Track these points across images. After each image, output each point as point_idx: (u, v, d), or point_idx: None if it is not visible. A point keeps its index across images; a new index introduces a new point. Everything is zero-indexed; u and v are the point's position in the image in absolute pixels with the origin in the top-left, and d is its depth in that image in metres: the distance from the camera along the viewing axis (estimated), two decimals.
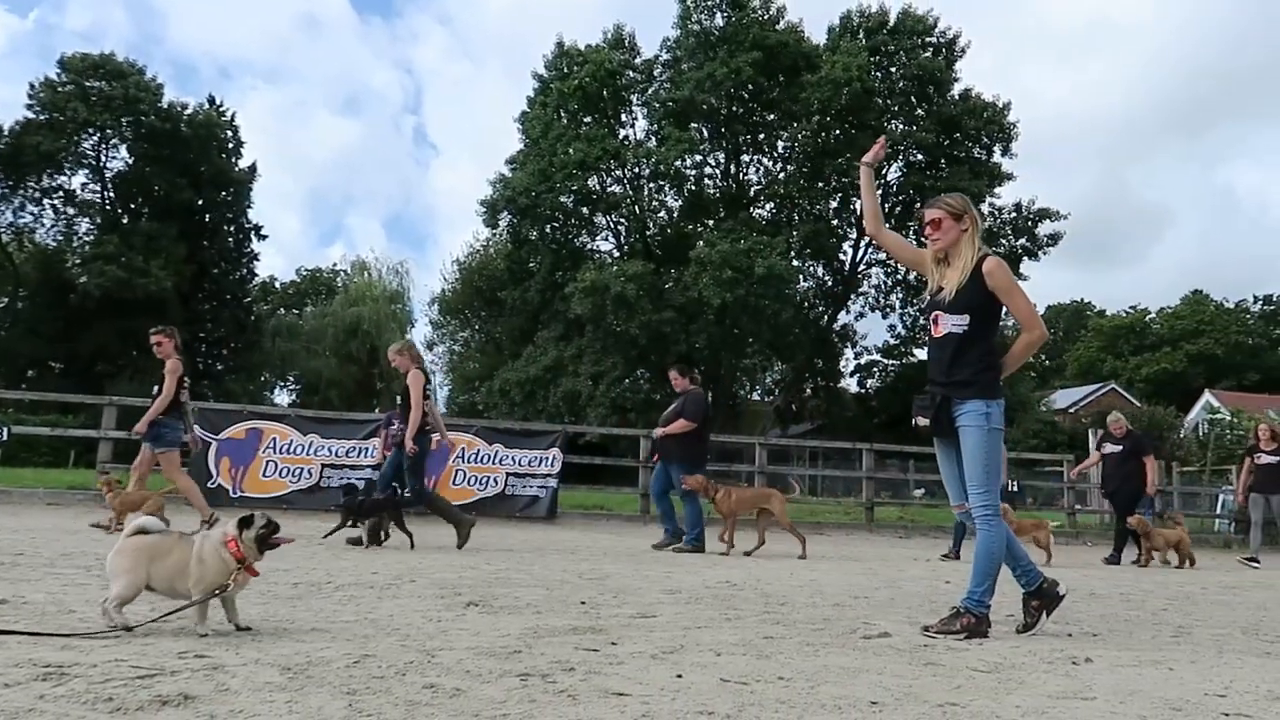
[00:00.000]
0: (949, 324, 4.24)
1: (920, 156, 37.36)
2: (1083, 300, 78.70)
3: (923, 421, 4.40)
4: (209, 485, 12.27)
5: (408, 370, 8.37)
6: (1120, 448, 11.24)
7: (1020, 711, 2.61)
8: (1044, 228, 37.80)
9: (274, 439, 12.83)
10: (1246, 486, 12.12)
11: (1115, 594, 6.66)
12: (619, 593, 5.19)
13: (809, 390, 42.13)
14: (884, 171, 38.51)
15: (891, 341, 41.02)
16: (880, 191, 39.06)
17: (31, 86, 38.45)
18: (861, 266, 40.70)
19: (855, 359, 41.95)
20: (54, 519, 9.36)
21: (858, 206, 38.81)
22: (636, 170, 37.46)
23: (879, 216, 4.77)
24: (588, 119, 37.23)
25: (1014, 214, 37.70)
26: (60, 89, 38.46)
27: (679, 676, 2.89)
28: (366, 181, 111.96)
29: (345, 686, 2.54)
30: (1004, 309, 4.27)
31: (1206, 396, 46.25)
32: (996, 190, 37.23)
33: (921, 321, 38.59)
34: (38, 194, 40.48)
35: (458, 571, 6.00)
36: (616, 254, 38.78)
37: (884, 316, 40.67)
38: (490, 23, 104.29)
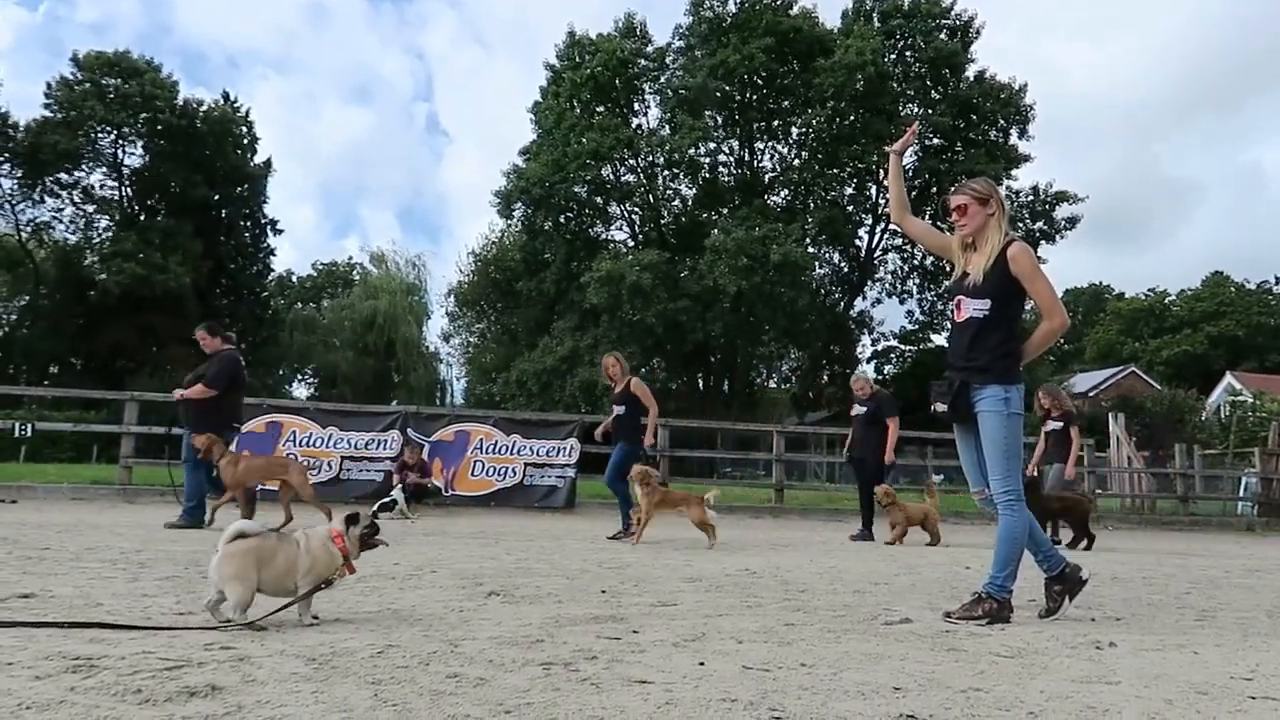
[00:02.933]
0: (971, 308, 4.21)
1: (937, 140, 37.13)
2: (1101, 283, 78.13)
3: (940, 408, 4.37)
4: None
5: None
6: (865, 409, 10.19)
7: (1044, 696, 2.60)
8: (1061, 211, 37.50)
9: (294, 432, 12.89)
10: (1040, 458, 11.08)
11: (1138, 578, 6.61)
12: (639, 581, 5.20)
13: (826, 377, 42.03)
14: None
15: (909, 327, 40.85)
16: None
17: (49, 85, 38.76)
18: (878, 252, 40.54)
19: (872, 345, 41.80)
20: (79, 514, 9.45)
21: (874, 192, 38.76)
22: (650, 159, 37.46)
23: (905, 204, 4.73)
24: (600, 108, 37.22)
25: (1031, 197, 37.48)
26: (77, 87, 38.73)
27: (701, 664, 2.89)
28: (379, 172, 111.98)
29: (370, 677, 2.56)
30: (1027, 295, 4.23)
31: (1228, 379, 45.85)
32: (1013, 173, 37.01)
33: (941, 306, 38.46)
34: (56, 191, 40.82)
35: (479, 562, 6.02)
36: (631, 243, 38.76)
37: (901, 302, 40.57)
38: (499, 3, 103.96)
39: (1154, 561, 8.45)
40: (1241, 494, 20.06)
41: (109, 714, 2.11)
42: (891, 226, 40.11)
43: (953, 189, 4.45)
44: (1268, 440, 20.51)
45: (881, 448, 10.02)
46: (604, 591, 4.70)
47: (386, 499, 11.19)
